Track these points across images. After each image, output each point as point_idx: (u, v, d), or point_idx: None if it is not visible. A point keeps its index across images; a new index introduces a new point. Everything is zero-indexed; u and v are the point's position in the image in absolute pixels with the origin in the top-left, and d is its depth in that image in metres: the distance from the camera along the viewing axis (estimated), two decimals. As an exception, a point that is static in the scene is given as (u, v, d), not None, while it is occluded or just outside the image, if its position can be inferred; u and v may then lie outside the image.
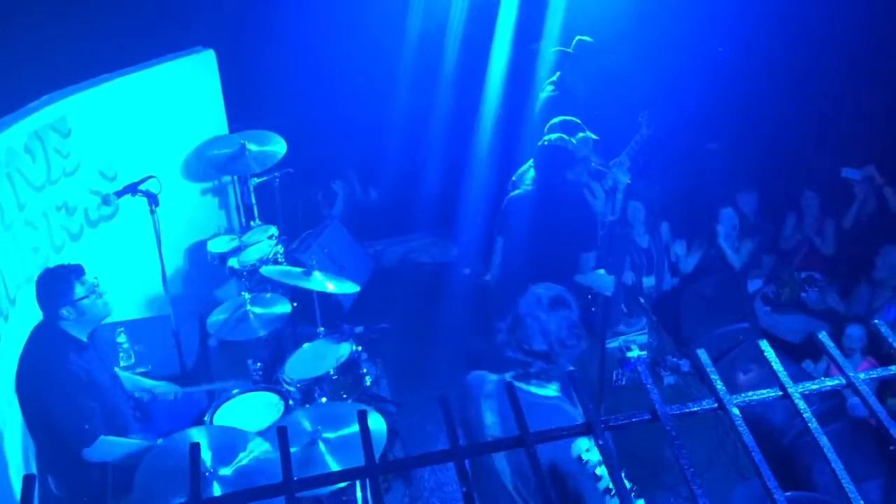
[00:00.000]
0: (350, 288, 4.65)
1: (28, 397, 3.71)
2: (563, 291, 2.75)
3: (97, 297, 3.77)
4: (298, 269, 4.71)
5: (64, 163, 4.99)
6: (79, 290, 3.68)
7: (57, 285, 3.68)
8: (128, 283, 5.47)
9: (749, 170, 6.70)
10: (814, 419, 1.13)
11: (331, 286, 4.54)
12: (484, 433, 2.69)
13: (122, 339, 4.79)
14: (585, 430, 1.16)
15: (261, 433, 3.64)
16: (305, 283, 4.53)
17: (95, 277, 3.82)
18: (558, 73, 5.75)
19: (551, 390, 2.72)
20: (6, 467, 3.73)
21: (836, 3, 6.00)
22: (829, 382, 1.20)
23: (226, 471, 3.21)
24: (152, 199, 4.82)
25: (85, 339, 3.81)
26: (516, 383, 2.72)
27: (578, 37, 5.27)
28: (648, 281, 6.31)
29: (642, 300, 5.97)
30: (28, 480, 1.18)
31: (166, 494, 3.08)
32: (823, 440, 1.11)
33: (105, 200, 5.00)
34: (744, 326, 5.78)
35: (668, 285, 6.37)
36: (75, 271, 3.75)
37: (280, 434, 1.15)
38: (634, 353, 5.62)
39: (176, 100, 5.75)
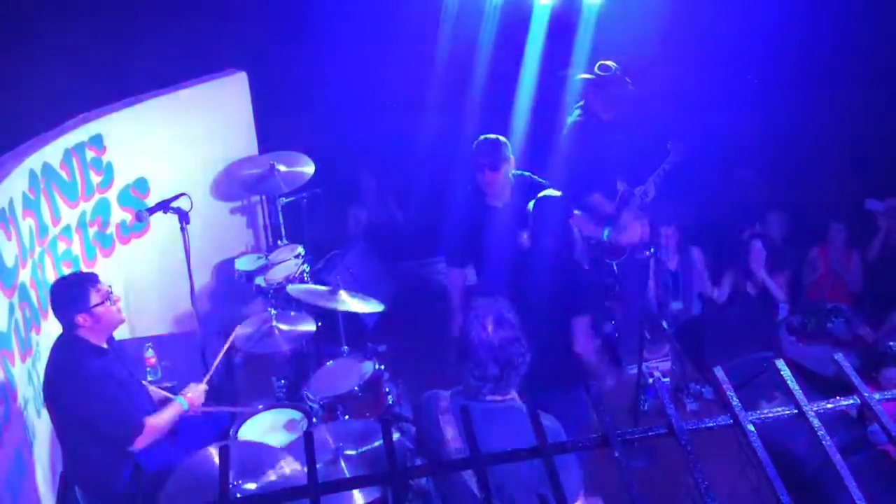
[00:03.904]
0: (374, 307, 4.71)
1: (59, 407, 3.78)
2: (501, 309, 2.76)
3: (111, 303, 3.83)
4: (324, 288, 4.79)
5: (98, 179, 5.11)
6: (93, 298, 3.74)
7: (72, 292, 3.73)
8: (157, 298, 5.57)
9: (779, 199, 6.69)
10: (828, 436, 1.15)
11: (355, 305, 4.60)
12: (446, 448, 2.71)
13: (149, 353, 4.86)
14: (602, 442, 1.19)
15: (284, 448, 3.68)
16: (331, 303, 4.59)
17: (109, 285, 3.89)
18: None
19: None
20: (34, 478, 3.80)
21: (867, 37, 6.01)
22: (844, 402, 1.22)
23: (251, 486, 3.25)
24: (183, 217, 4.91)
25: (104, 346, 3.87)
26: (467, 400, 2.77)
27: (600, 62, 5.31)
28: (675, 304, 6.31)
29: (665, 324, 5.96)
30: (64, 478, 1.22)
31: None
32: (837, 458, 1.13)
33: (138, 216, 5.09)
34: (768, 355, 5.74)
35: (697, 310, 6.36)
36: (90, 279, 3.81)
37: (307, 439, 1.19)
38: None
39: (208, 120, 5.87)
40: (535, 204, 4.07)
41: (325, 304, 4.61)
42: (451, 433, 2.72)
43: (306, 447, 1.19)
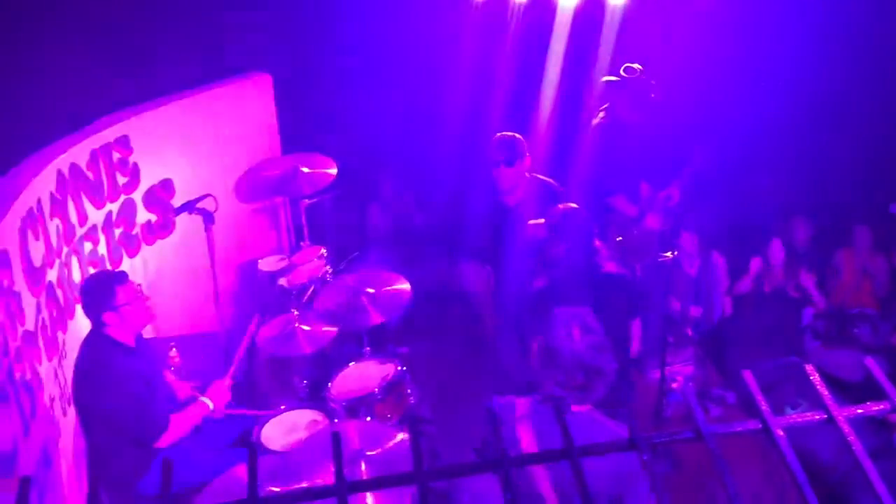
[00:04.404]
0: (402, 286, 4.67)
1: (86, 404, 3.82)
2: (586, 315, 2.72)
3: (139, 303, 3.86)
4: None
5: (124, 180, 5.16)
6: (121, 296, 3.78)
7: (100, 291, 3.78)
8: (181, 298, 5.61)
9: (802, 203, 6.64)
10: (858, 441, 1.14)
11: (381, 307, 4.59)
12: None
13: (172, 353, 4.90)
14: (630, 445, 1.18)
15: (303, 447, 3.70)
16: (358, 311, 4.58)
17: (139, 284, 3.93)
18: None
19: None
20: (59, 475, 3.84)
21: (891, 39, 5.95)
22: (875, 408, 1.21)
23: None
24: (208, 218, 4.95)
25: (132, 345, 3.90)
26: (550, 410, 2.71)
27: (626, 64, 5.31)
28: (695, 310, 6.27)
29: (689, 331, 5.92)
30: (93, 477, 1.24)
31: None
32: (868, 463, 1.12)
33: (163, 217, 5.14)
34: (793, 361, 5.69)
35: (717, 316, 6.31)
36: (119, 277, 3.86)
37: (334, 439, 1.20)
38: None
39: (233, 121, 5.91)
40: (559, 218, 4.06)
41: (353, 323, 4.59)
42: (526, 440, 2.68)
43: (333, 447, 1.20)
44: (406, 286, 4.65)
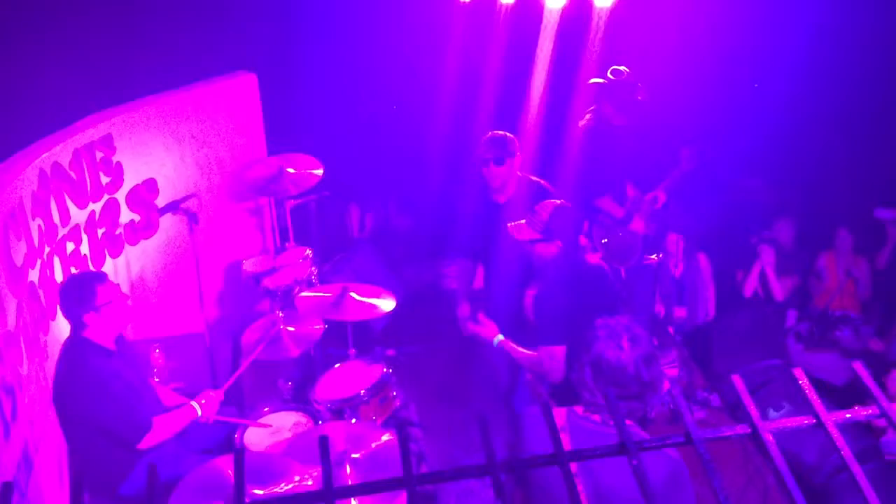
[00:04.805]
0: (387, 304, 4.66)
1: (67, 407, 3.79)
2: (633, 326, 2.64)
3: (119, 303, 3.83)
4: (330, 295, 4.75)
5: (107, 180, 5.11)
6: (101, 296, 3.74)
7: (80, 291, 3.75)
8: (164, 299, 5.57)
9: (787, 205, 6.68)
10: (846, 447, 1.14)
11: (364, 309, 4.58)
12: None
13: (156, 354, 4.86)
14: (619, 450, 1.18)
15: (287, 449, 3.68)
16: (340, 311, 4.56)
17: (118, 284, 3.90)
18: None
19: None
20: (40, 477, 3.79)
21: (877, 44, 6.00)
22: (863, 412, 1.21)
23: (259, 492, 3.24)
24: (192, 218, 4.91)
25: (112, 347, 3.87)
26: (600, 424, 2.64)
27: (612, 66, 5.33)
28: (679, 312, 6.29)
29: (671, 332, 5.94)
30: (76, 480, 1.22)
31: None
32: (856, 467, 1.12)
33: (147, 218, 5.09)
34: (776, 363, 5.72)
35: (703, 318, 6.34)
36: (98, 278, 3.83)
37: (322, 443, 1.19)
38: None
39: (218, 121, 5.87)
40: (552, 213, 4.03)
41: (335, 315, 4.58)
42: None
43: (321, 452, 1.19)
44: (389, 303, 4.62)
